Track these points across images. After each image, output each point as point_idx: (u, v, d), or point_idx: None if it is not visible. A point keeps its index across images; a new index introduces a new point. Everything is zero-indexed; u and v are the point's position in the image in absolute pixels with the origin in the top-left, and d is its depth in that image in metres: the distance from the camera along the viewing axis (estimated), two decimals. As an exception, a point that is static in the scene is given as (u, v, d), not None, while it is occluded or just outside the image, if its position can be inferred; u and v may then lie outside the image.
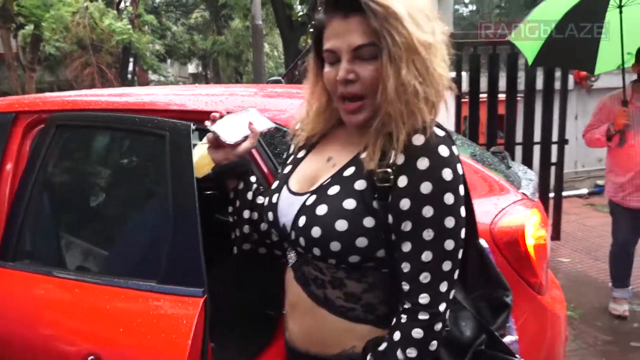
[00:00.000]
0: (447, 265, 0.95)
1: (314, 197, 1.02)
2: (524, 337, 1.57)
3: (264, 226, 1.21)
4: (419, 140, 0.93)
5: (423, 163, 0.92)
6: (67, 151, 1.65)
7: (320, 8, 1.03)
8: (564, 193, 4.92)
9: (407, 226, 0.94)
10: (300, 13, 12.73)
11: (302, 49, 11.68)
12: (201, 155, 1.28)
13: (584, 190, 6.65)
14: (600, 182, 6.84)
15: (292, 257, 1.10)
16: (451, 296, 0.98)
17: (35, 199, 1.58)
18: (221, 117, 1.20)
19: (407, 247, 0.95)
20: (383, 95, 0.94)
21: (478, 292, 1.13)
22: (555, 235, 4.51)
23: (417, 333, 0.95)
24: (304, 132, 1.14)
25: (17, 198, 1.59)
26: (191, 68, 27.98)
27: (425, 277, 0.94)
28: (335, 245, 0.97)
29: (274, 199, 1.11)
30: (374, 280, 1.00)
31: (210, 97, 1.72)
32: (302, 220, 1.01)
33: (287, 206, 1.07)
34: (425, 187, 0.92)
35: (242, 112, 1.25)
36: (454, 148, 0.96)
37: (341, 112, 1.03)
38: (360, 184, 0.98)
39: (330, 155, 1.09)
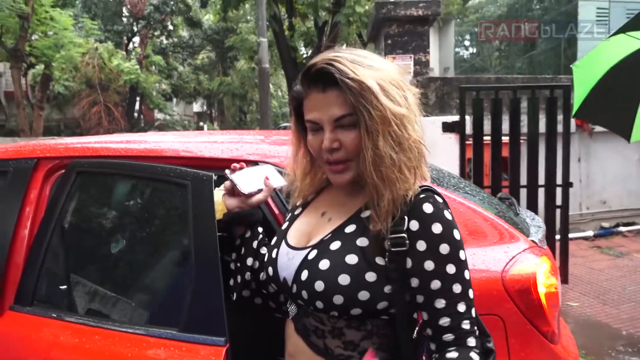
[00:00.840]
0: (473, 312, 1.05)
1: (315, 251, 1.08)
2: (538, 387, 1.57)
3: (262, 276, 1.26)
4: (428, 208, 1.02)
5: (437, 228, 1.01)
6: (86, 198, 1.69)
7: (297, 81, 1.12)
8: (570, 235, 4.92)
9: (436, 284, 1.01)
10: (305, 55, 13.03)
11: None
12: (216, 201, 1.35)
13: (590, 233, 6.64)
14: (605, 224, 6.84)
15: (292, 309, 1.14)
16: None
17: (54, 244, 1.61)
18: (241, 168, 1.30)
19: (440, 303, 1.02)
20: (363, 165, 1.02)
21: None
22: (563, 278, 4.48)
23: (475, 354, 1.03)
24: (297, 194, 1.22)
25: (36, 243, 1.62)
26: (196, 107, 28.43)
27: (466, 324, 1.03)
28: (338, 299, 1.02)
29: (274, 254, 1.17)
30: (372, 327, 1.05)
31: (226, 144, 1.77)
32: (304, 275, 1.06)
33: (287, 261, 1.12)
34: (444, 248, 1.01)
35: (260, 167, 1.34)
36: (450, 211, 1.05)
37: (327, 173, 1.10)
38: (361, 241, 1.04)
39: (323, 210, 1.17)
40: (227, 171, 1.28)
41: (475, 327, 1.05)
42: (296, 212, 1.23)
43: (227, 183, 1.28)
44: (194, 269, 1.29)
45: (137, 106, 21.26)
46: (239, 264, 1.29)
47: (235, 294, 1.29)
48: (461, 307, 1.02)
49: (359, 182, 1.08)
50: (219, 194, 1.34)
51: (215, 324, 1.23)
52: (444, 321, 1.02)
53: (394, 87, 1.03)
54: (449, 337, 1.02)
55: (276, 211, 1.53)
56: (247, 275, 1.27)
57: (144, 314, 1.47)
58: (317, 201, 1.21)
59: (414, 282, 1.02)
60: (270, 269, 1.16)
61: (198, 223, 1.32)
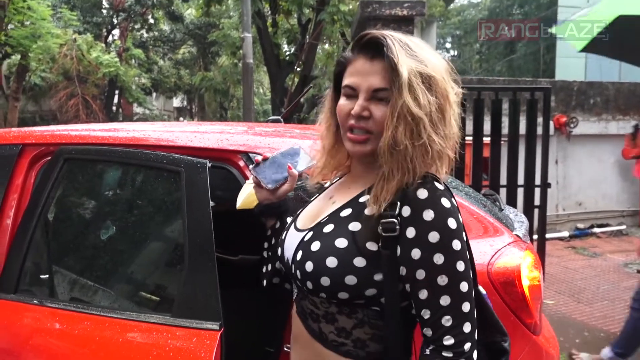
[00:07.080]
0: (466, 307, 1.00)
1: (311, 233, 1.10)
2: (521, 376, 1.61)
3: None
4: (422, 194, 0.99)
5: (429, 214, 0.98)
6: (74, 185, 1.67)
7: (345, 48, 1.11)
8: (546, 235, 5.02)
9: (421, 274, 0.99)
10: (288, 52, 13.00)
11: (288, 86, 11.91)
12: (248, 193, 1.37)
13: (565, 233, 6.79)
14: (580, 225, 7.00)
15: (295, 291, 1.17)
16: (475, 336, 1.01)
17: (40, 232, 1.58)
18: (265, 159, 1.28)
19: (423, 294, 0.99)
20: (384, 142, 1.00)
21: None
22: (539, 276, 4.56)
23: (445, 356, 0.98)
24: (317, 172, 1.21)
25: (21, 231, 1.59)
26: (176, 102, 28.06)
27: (447, 321, 0.98)
28: (325, 280, 1.02)
29: (283, 236, 1.19)
30: (363, 316, 1.04)
31: (216, 134, 1.77)
32: (299, 255, 1.08)
33: (291, 242, 1.15)
34: (433, 237, 0.98)
35: (284, 152, 1.31)
36: (453, 200, 1.03)
37: (346, 142, 1.09)
38: (354, 226, 1.04)
39: (332, 194, 1.19)
40: (251, 167, 1.29)
41: (467, 324, 0.99)
42: (312, 198, 1.26)
43: (253, 177, 1.28)
44: (188, 254, 1.29)
45: (115, 100, 20.88)
46: (270, 253, 1.32)
47: (265, 280, 1.32)
48: (444, 300, 0.98)
49: (372, 163, 1.07)
50: (249, 186, 1.35)
51: (210, 309, 1.23)
52: (425, 314, 0.99)
53: (423, 85, 1.00)
54: (427, 331, 1.00)
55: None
56: (277, 264, 1.28)
57: (137, 301, 1.46)
58: (331, 188, 1.23)
59: (402, 270, 1.00)
60: (279, 250, 1.19)
61: (192, 210, 1.31)
